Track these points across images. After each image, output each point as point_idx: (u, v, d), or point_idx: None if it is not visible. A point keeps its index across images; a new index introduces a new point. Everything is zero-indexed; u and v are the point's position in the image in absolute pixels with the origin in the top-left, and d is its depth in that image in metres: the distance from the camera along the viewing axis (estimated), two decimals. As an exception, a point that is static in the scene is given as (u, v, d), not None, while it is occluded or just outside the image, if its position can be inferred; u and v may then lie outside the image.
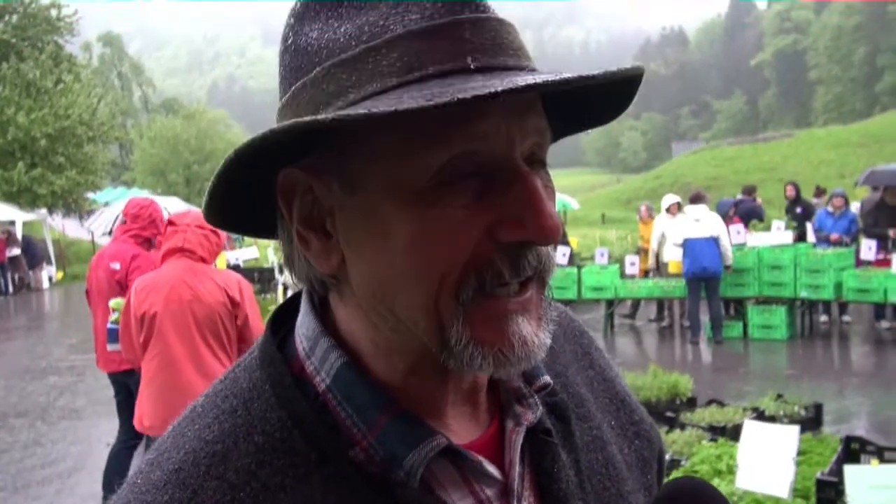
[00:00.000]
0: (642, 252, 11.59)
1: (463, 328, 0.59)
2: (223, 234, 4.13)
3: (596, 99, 0.66)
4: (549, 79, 0.53)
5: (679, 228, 9.70)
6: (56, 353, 11.49)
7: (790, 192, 12.50)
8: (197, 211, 4.28)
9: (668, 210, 10.90)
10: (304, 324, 0.68)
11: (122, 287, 4.85)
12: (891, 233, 9.88)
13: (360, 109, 0.54)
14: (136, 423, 3.98)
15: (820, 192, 14.94)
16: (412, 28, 0.58)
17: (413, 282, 0.59)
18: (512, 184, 0.59)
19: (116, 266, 4.97)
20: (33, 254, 21.33)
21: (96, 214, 17.63)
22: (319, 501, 0.60)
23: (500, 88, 0.51)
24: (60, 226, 32.58)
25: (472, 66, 0.57)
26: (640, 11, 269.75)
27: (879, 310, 9.95)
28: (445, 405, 0.66)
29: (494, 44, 0.59)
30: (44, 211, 26.60)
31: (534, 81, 0.53)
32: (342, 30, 0.60)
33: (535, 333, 0.61)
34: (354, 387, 0.63)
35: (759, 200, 13.09)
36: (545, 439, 0.70)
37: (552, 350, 0.78)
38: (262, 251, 13.40)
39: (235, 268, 12.45)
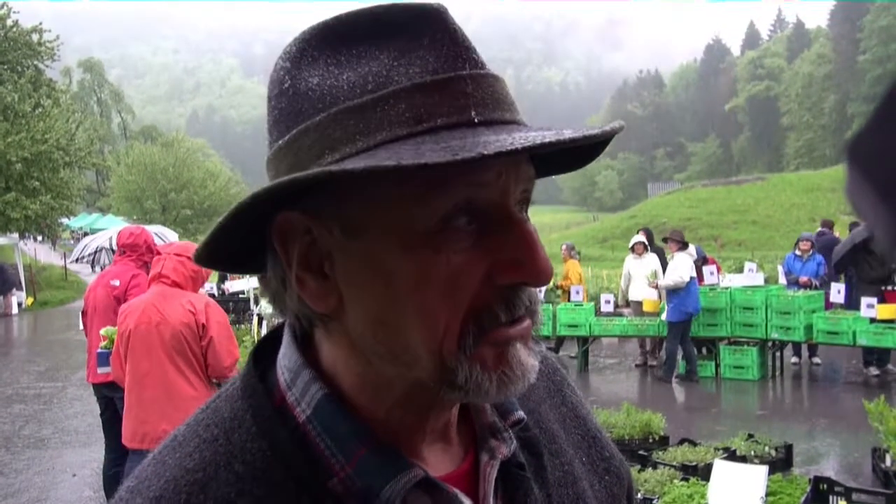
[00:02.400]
0: (558, 289, 11.84)
1: (468, 365, 0.61)
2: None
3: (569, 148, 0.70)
4: (551, 139, 0.57)
5: (685, 267, 9.74)
6: (23, 380, 11.25)
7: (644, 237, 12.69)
8: (181, 242, 4.51)
9: (632, 249, 11.03)
10: (287, 356, 0.69)
11: (119, 303, 5.14)
12: None
13: (381, 160, 0.56)
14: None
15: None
16: (417, 81, 0.61)
17: (417, 324, 0.61)
18: (509, 229, 0.62)
19: (116, 283, 5.29)
20: (4, 279, 20.99)
21: (80, 242, 17.72)
22: None
23: (519, 146, 0.55)
24: (32, 251, 32.13)
25: (475, 120, 0.61)
26: (617, 54, 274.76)
27: (868, 355, 10.01)
28: (422, 440, 0.68)
29: (493, 99, 0.62)
30: (16, 235, 26.25)
31: (553, 139, 0.56)
32: (344, 77, 0.62)
33: (528, 357, 0.64)
34: (334, 419, 0.65)
35: (838, 234, 13.00)
36: (518, 473, 0.72)
37: None
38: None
39: (209, 297, 12.34)
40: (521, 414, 0.74)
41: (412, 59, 0.62)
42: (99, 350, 4.88)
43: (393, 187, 0.60)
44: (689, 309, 9.74)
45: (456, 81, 0.61)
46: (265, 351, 0.73)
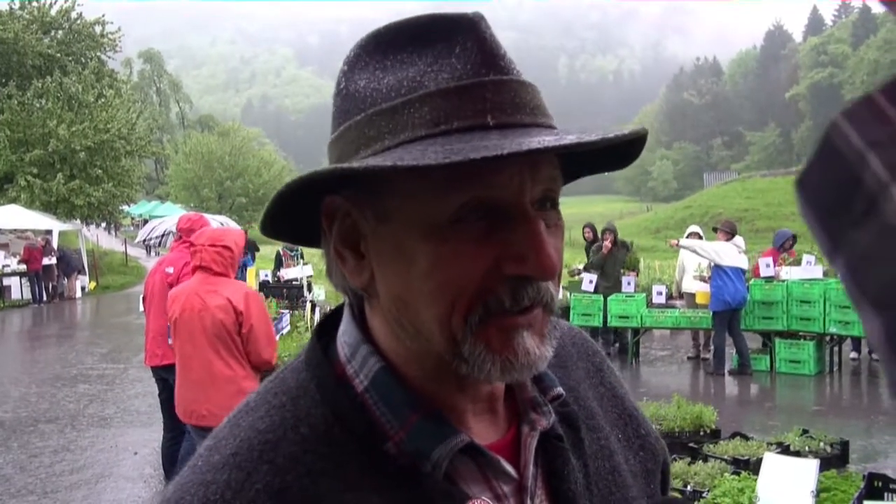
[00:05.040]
0: None
1: (474, 341, 0.67)
2: (236, 248, 4.55)
3: (607, 150, 0.74)
4: (549, 144, 0.61)
5: (731, 257, 9.70)
6: (87, 361, 11.70)
7: (588, 234, 12.37)
8: (210, 229, 4.82)
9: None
10: (346, 332, 0.77)
11: (172, 288, 5.31)
12: None
13: (388, 160, 0.64)
14: None
15: None
16: (442, 86, 0.67)
17: (429, 302, 0.68)
18: (518, 225, 0.67)
19: (170, 270, 5.61)
20: (68, 263, 21.78)
21: (148, 226, 18.38)
22: (356, 486, 0.68)
23: (505, 151, 0.60)
24: (95, 237, 33.19)
25: (490, 123, 0.66)
26: (674, 42, 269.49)
27: None
28: (466, 411, 0.74)
29: (513, 103, 0.67)
30: (79, 221, 27.16)
31: (538, 146, 0.61)
32: (385, 81, 0.70)
33: (537, 346, 0.69)
34: (389, 388, 0.72)
35: None
36: (557, 444, 0.78)
37: (566, 366, 0.88)
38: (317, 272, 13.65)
39: (264, 283, 12.61)
40: (559, 390, 0.79)
41: (443, 65, 0.68)
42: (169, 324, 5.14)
43: (413, 183, 0.67)
44: (726, 297, 9.61)
45: (477, 87, 0.67)
46: (326, 327, 0.81)
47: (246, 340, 4.35)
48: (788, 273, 10.40)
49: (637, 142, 0.73)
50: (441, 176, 0.64)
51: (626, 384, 0.95)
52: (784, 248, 10.83)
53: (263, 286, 12.41)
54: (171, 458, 5.46)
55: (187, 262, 5.54)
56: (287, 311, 10.13)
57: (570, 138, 0.63)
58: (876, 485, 4.29)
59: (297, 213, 0.74)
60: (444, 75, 0.67)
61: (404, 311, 0.70)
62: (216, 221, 10.22)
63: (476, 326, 0.67)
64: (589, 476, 0.79)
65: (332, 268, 0.76)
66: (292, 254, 14.80)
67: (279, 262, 14.72)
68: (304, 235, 0.79)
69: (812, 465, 3.65)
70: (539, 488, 0.76)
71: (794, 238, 11.19)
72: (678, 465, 5.17)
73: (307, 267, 13.16)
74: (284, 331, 6.44)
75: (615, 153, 0.75)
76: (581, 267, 11.44)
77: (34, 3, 29.50)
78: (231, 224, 12.96)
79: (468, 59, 0.68)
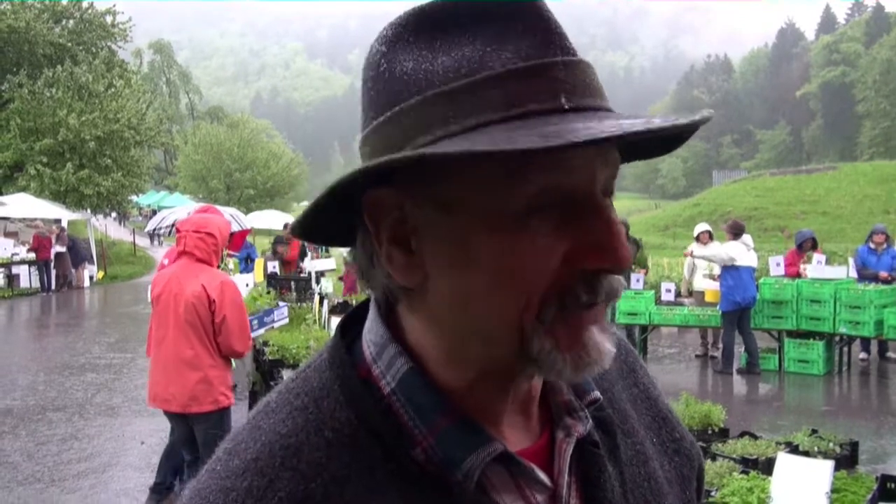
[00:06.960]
0: None
1: (545, 340, 0.63)
2: (219, 235, 4.59)
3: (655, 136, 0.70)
4: (640, 128, 0.57)
5: (737, 254, 9.66)
6: (95, 350, 11.73)
7: None
8: (196, 216, 4.82)
9: (697, 238, 10.86)
10: (372, 330, 0.72)
11: None
12: None
13: (465, 143, 0.58)
14: None
15: None
16: (511, 67, 0.62)
17: (499, 300, 0.63)
18: (592, 215, 0.63)
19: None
20: (77, 253, 21.84)
21: (158, 216, 18.47)
22: (382, 494, 0.64)
23: (604, 135, 0.56)
24: (103, 226, 33.29)
25: (565, 106, 0.61)
26: (685, 39, 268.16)
27: None
28: (502, 413, 0.70)
29: (584, 85, 0.63)
30: (88, 211, 27.23)
31: (631, 129, 0.57)
32: (439, 62, 0.64)
33: (605, 341, 0.65)
34: (417, 391, 0.68)
35: None
36: (593, 451, 0.74)
37: None
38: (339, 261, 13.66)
39: (272, 276, 12.59)
40: (597, 394, 0.75)
41: (505, 44, 0.63)
42: None
43: (482, 170, 0.62)
44: (736, 298, 9.58)
45: (548, 67, 0.62)
46: (351, 325, 0.76)
47: (218, 330, 4.42)
48: (812, 272, 10.33)
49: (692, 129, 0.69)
50: (514, 162, 0.61)
51: (658, 384, 0.92)
52: (803, 248, 10.81)
53: (271, 278, 12.39)
54: (169, 451, 5.43)
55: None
56: (285, 303, 10.00)
57: (657, 122, 0.59)
58: (889, 486, 4.24)
59: (329, 211, 0.68)
60: (507, 55, 0.63)
61: (462, 310, 0.65)
62: (227, 213, 10.21)
63: (550, 322, 0.63)
64: (625, 484, 0.75)
65: (371, 266, 0.70)
66: (317, 245, 14.81)
67: (303, 254, 14.69)
68: (335, 235, 0.74)
69: (827, 466, 3.61)
70: (573, 497, 0.72)
71: (815, 241, 11.13)
72: (687, 464, 5.14)
73: (330, 260, 13.15)
74: (279, 323, 6.39)
75: (663, 141, 0.72)
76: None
77: (45, -8, 29.56)
78: (244, 219, 12.91)
79: (534, 38, 0.63)
